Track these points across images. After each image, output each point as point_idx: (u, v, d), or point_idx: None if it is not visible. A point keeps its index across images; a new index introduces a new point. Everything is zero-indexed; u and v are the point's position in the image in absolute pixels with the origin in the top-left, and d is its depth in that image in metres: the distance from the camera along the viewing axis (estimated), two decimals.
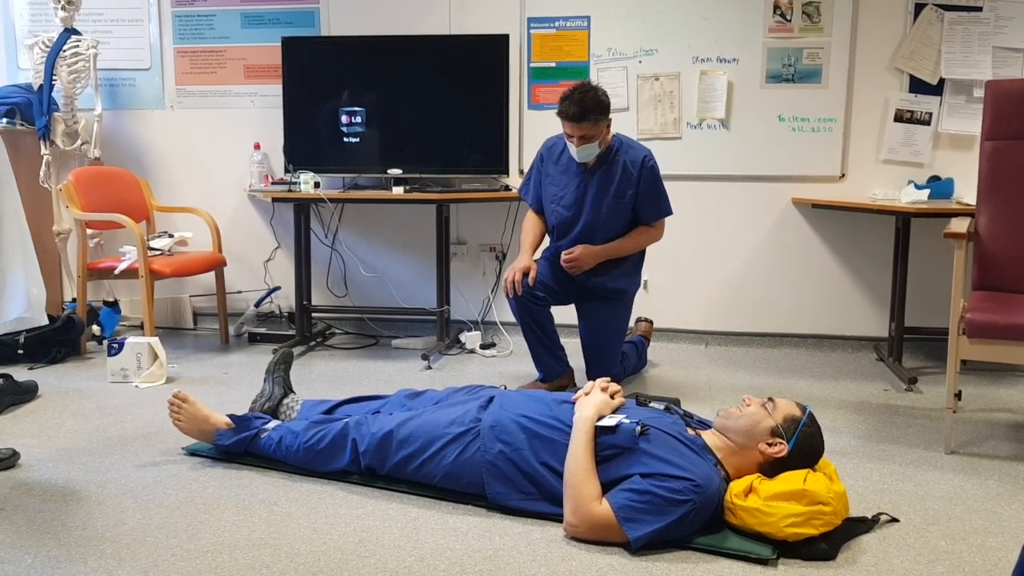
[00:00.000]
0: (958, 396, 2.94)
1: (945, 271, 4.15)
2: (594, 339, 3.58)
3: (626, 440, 2.25)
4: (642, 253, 3.66)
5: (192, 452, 2.81)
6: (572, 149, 3.40)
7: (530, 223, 3.67)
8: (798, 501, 2.07)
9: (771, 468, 2.24)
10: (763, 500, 2.10)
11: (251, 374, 3.85)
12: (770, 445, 2.24)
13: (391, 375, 3.90)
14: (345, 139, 4.40)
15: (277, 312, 4.75)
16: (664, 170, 4.33)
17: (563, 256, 3.45)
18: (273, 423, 2.74)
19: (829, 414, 3.32)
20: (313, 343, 4.50)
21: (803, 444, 2.24)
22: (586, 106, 3.27)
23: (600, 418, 2.31)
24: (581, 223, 3.51)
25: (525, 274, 3.44)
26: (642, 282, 3.74)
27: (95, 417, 3.23)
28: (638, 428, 2.26)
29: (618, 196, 3.46)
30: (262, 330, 4.58)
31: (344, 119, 4.38)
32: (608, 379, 2.49)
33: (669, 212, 3.55)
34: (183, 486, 2.55)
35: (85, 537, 2.21)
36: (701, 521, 2.17)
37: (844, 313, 4.38)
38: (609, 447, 2.26)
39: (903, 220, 3.96)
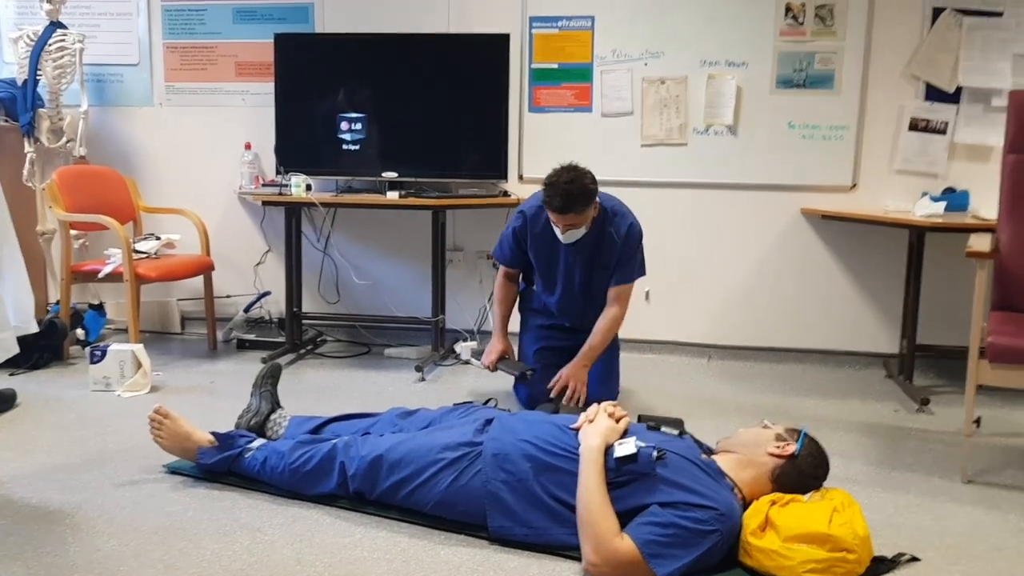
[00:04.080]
0: (977, 422, 2.81)
1: (959, 287, 4.04)
2: (595, 379, 3.45)
3: (643, 466, 2.13)
4: None
5: (174, 470, 2.67)
6: (557, 232, 3.25)
7: (502, 292, 3.58)
8: (820, 546, 1.94)
9: (784, 479, 2.18)
10: (782, 541, 1.97)
11: (239, 383, 3.71)
12: (778, 447, 2.22)
13: (383, 386, 3.76)
14: (338, 140, 4.25)
15: (267, 318, 4.60)
16: (669, 177, 4.25)
17: (567, 398, 3.29)
18: (258, 442, 2.60)
19: (838, 437, 3.19)
20: (303, 351, 4.35)
21: (810, 447, 2.23)
22: (572, 198, 3.09)
23: (609, 446, 2.18)
24: (569, 292, 3.44)
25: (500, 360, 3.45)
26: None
27: (75, 429, 3.09)
28: (655, 453, 2.13)
29: (602, 267, 3.36)
30: (251, 336, 4.44)
31: (338, 120, 4.23)
32: (613, 403, 2.35)
33: (639, 275, 3.43)
34: (162, 508, 2.41)
35: (56, 565, 2.07)
36: (724, 552, 2.06)
37: (853, 328, 4.25)
38: (624, 473, 2.13)
39: (917, 234, 3.83)
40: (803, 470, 2.21)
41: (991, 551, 2.31)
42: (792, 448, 2.22)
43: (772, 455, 2.22)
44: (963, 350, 3.82)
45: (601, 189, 3.21)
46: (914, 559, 2.22)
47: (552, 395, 3.28)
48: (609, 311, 3.37)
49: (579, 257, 3.35)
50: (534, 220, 3.35)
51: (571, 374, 3.29)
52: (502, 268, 3.57)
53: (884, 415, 3.50)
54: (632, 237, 3.32)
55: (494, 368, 3.48)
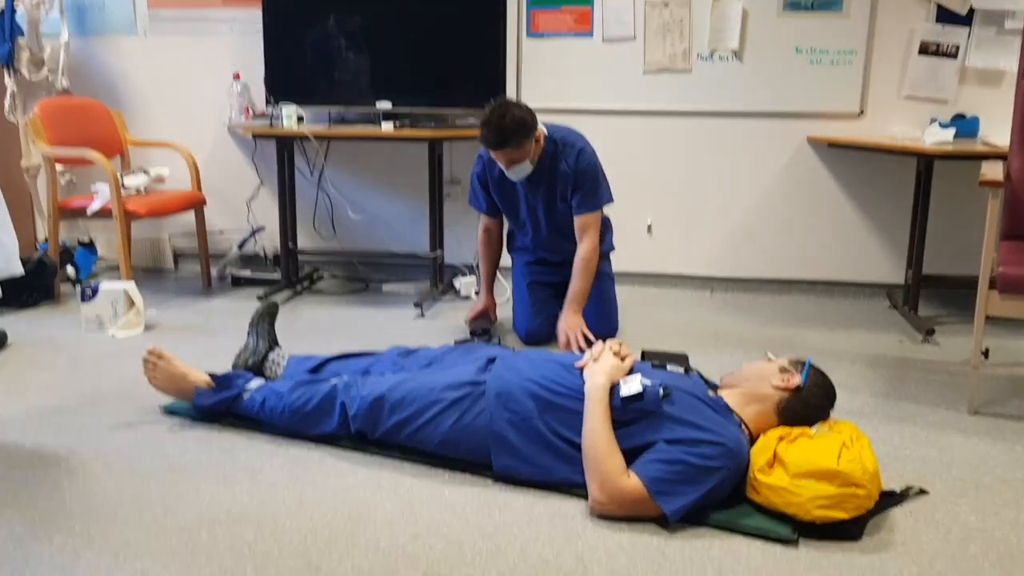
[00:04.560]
0: (985, 354, 2.77)
1: (967, 216, 3.98)
2: (592, 314, 3.40)
3: (649, 404, 2.09)
4: (605, 222, 3.49)
5: (171, 411, 2.63)
6: (503, 169, 3.20)
7: (484, 248, 3.54)
8: (830, 482, 1.90)
9: (790, 411, 2.16)
10: (790, 478, 1.93)
11: (235, 321, 3.65)
12: (783, 380, 2.19)
13: (382, 324, 3.70)
14: (330, 70, 4.11)
15: (261, 254, 4.52)
16: (672, 105, 4.13)
17: (571, 346, 3.20)
18: (256, 382, 2.55)
19: (844, 368, 3.15)
20: (300, 288, 4.29)
21: (815, 378, 2.20)
22: (505, 133, 3.04)
23: (614, 385, 2.13)
24: (537, 230, 3.41)
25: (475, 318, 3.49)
26: (612, 241, 3.56)
27: (67, 370, 3.04)
28: (661, 391, 2.09)
29: (563, 200, 3.30)
30: (246, 273, 4.36)
31: (329, 48, 4.09)
32: (618, 341, 2.30)
33: (605, 202, 3.34)
34: (160, 451, 2.37)
35: (52, 511, 2.04)
36: (732, 488, 2.04)
37: (857, 259, 4.18)
38: (629, 412, 2.09)
39: (926, 162, 3.73)
40: (809, 402, 2.18)
41: (998, 482, 2.28)
42: (797, 380, 2.18)
43: (777, 388, 2.19)
44: (968, 280, 3.79)
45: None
46: (922, 492, 2.20)
47: (563, 350, 3.23)
48: (580, 248, 3.31)
49: (538, 194, 3.30)
50: (491, 163, 3.30)
51: (566, 326, 3.25)
52: (481, 221, 3.53)
53: (889, 346, 3.46)
54: (584, 164, 3.24)
55: (469, 325, 3.50)
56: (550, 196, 3.30)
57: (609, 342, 2.29)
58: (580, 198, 3.27)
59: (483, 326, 3.47)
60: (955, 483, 2.27)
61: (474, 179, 3.43)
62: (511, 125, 3.03)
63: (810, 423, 2.16)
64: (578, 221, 3.30)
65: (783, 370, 2.23)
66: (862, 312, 3.99)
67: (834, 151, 4.07)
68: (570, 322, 3.26)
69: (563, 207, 3.31)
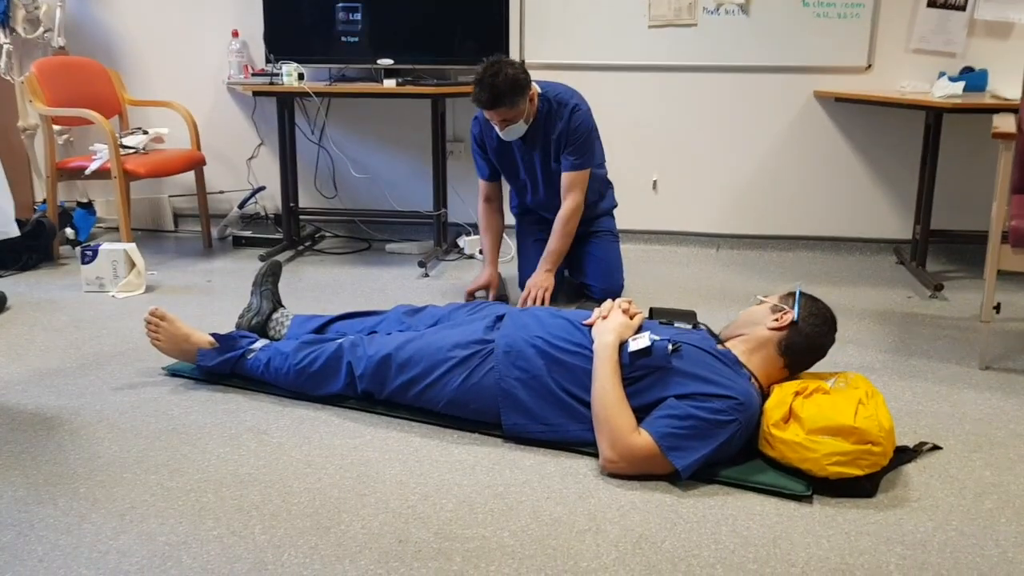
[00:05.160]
0: (997, 308, 2.74)
1: (975, 171, 3.93)
2: (597, 271, 3.38)
3: (658, 360, 2.06)
4: (605, 181, 3.45)
5: (173, 372, 2.60)
6: (497, 131, 3.13)
7: (485, 220, 3.44)
8: (846, 438, 1.88)
9: (793, 348, 2.12)
10: (806, 433, 1.91)
11: (236, 282, 3.62)
12: (776, 320, 2.14)
13: (386, 283, 3.67)
14: (330, 26, 4.03)
15: (262, 214, 4.47)
16: (677, 60, 4.06)
17: (528, 301, 3.17)
18: (260, 342, 2.52)
19: (852, 325, 3.13)
20: (302, 248, 4.25)
21: (809, 307, 2.15)
22: (499, 92, 2.96)
23: (623, 342, 2.10)
24: (535, 191, 3.34)
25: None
26: (615, 198, 3.52)
27: (69, 332, 3.01)
28: (669, 346, 2.06)
29: (556, 159, 3.24)
30: (247, 233, 4.32)
31: (329, 3, 4.00)
32: (627, 299, 2.27)
33: (595, 163, 3.27)
34: (164, 412, 2.35)
35: (56, 474, 2.02)
36: (744, 441, 2.02)
37: (864, 215, 4.14)
38: (638, 368, 2.06)
39: (935, 116, 3.67)
40: (809, 333, 2.13)
41: (1011, 437, 2.27)
42: (790, 315, 2.13)
43: (773, 329, 2.14)
44: (976, 235, 3.77)
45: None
46: (936, 448, 2.18)
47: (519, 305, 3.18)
48: (563, 206, 3.23)
49: (533, 154, 3.25)
50: (487, 124, 3.22)
51: (532, 283, 3.21)
52: (480, 190, 3.44)
53: (897, 302, 3.44)
54: (576, 122, 3.17)
55: (468, 298, 3.39)
56: (545, 155, 3.24)
57: (618, 300, 2.26)
58: (569, 155, 3.20)
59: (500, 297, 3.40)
60: (968, 438, 2.26)
61: (473, 143, 3.37)
62: (504, 84, 2.96)
63: (819, 355, 2.15)
64: (565, 178, 3.21)
65: (775, 308, 2.18)
66: (869, 268, 3.95)
67: (841, 106, 4.01)
68: (537, 279, 3.21)
69: (557, 166, 3.25)
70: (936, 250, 4.02)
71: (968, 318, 3.22)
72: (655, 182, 4.21)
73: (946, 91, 3.60)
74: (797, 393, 2.02)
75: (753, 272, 3.88)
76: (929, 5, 3.87)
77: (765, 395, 2.09)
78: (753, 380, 2.11)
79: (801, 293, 2.19)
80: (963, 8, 3.84)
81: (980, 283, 2.75)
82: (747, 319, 2.22)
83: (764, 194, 4.19)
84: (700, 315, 3.02)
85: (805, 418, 1.93)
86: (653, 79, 4.08)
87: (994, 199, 2.74)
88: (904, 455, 2.10)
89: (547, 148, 3.22)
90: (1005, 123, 2.84)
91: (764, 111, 4.09)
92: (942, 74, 3.81)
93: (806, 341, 2.13)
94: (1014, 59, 3.73)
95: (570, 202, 3.22)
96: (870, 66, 3.96)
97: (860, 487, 1.93)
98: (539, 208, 3.42)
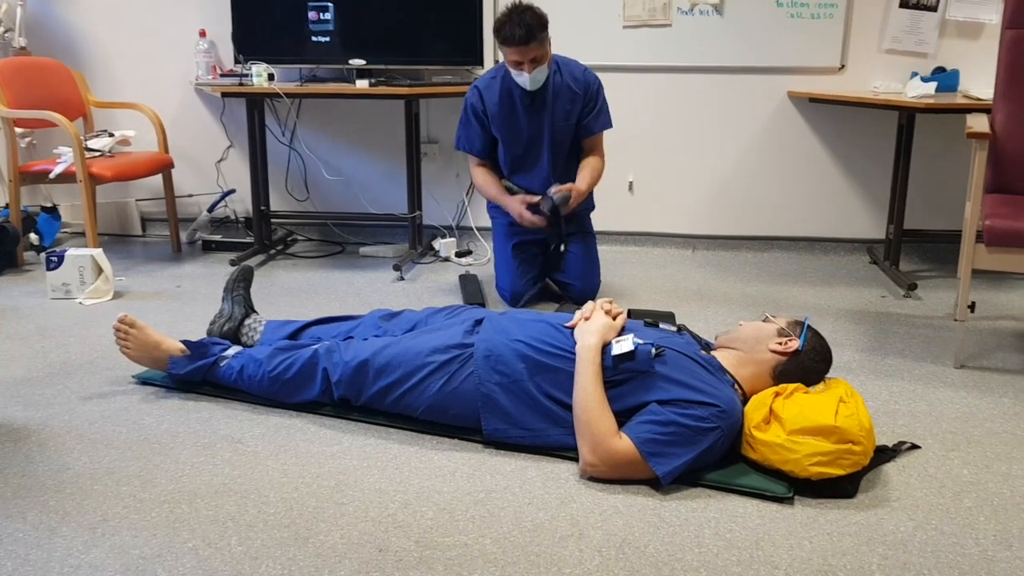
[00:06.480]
0: (971, 307, 2.76)
1: (948, 171, 3.97)
2: (576, 271, 3.36)
3: (641, 364, 2.04)
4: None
5: (144, 380, 2.55)
6: (523, 78, 3.13)
7: (482, 177, 3.38)
8: (826, 438, 1.87)
9: (786, 375, 2.11)
10: (787, 434, 1.90)
11: (207, 287, 3.56)
12: (780, 344, 2.13)
13: (360, 287, 3.62)
14: (301, 25, 3.98)
15: (233, 217, 4.40)
16: (652, 60, 4.06)
17: (564, 194, 3.12)
18: (233, 349, 2.47)
19: (828, 324, 3.13)
20: (273, 251, 4.19)
21: (813, 342, 2.15)
22: (530, 26, 3.01)
23: (606, 344, 2.08)
24: (543, 158, 3.30)
25: (530, 206, 3.22)
26: (592, 199, 3.51)
27: (35, 340, 2.93)
28: (653, 350, 2.04)
29: (568, 119, 3.26)
30: (217, 237, 4.25)
31: (299, 2, 3.95)
32: (609, 299, 2.25)
33: (611, 124, 3.39)
34: (135, 422, 2.29)
35: (24, 487, 1.96)
36: (726, 449, 2.01)
37: (838, 215, 4.16)
38: (621, 372, 2.04)
39: (907, 116, 3.70)
40: (806, 366, 2.14)
41: (988, 435, 2.28)
42: (795, 344, 2.13)
43: (774, 352, 2.14)
44: (949, 234, 3.80)
45: None
46: (914, 447, 2.19)
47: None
48: (591, 159, 3.32)
49: (542, 114, 3.24)
50: (489, 90, 3.25)
51: (577, 194, 3.20)
52: (472, 161, 3.41)
53: (872, 301, 3.45)
54: (591, 77, 3.29)
55: (544, 214, 3.21)
56: (553, 115, 3.24)
57: (600, 301, 2.24)
58: (594, 116, 3.29)
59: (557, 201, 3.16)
60: (945, 437, 2.26)
61: (467, 114, 3.32)
62: (533, 20, 3.03)
63: (805, 384, 2.13)
64: (588, 141, 3.32)
65: (781, 333, 2.16)
66: (843, 268, 3.97)
67: (815, 106, 4.02)
68: (576, 195, 3.19)
69: (564, 126, 3.26)
70: (909, 250, 4.05)
71: (942, 317, 3.25)
72: (631, 183, 4.21)
73: (918, 91, 3.62)
74: (777, 394, 2.01)
75: (729, 273, 3.89)
76: (901, 6, 3.90)
77: (747, 402, 2.08)
78: (736, 387, 2.10)
79: (809, 326, 2.19)
80: (935, 9, 3.87)
81: (953, 282, 2.77)
82: (751, 334, 2.20)
83: (739, 195, 4.19)
84: (678, 317, 3.02)
85: (786, 419, 1.92)
86: (628, 79, 4.07)
87: (968, 198, 2.76)
88: (883, 455, 2.10)
89: (555, 108, 3.24)
90: (979, 123, 2.87)
91: (738, 112, 4.09)
92: (914, 74, 3.83)
93: (801, 373, 2.13)
94: (985, 59, 3.76)
95: (597, 159, 3.34)
96: (843, 66, 3.98)
97: (841, 488, 1.93)
98: (531, 182, 3.33)
